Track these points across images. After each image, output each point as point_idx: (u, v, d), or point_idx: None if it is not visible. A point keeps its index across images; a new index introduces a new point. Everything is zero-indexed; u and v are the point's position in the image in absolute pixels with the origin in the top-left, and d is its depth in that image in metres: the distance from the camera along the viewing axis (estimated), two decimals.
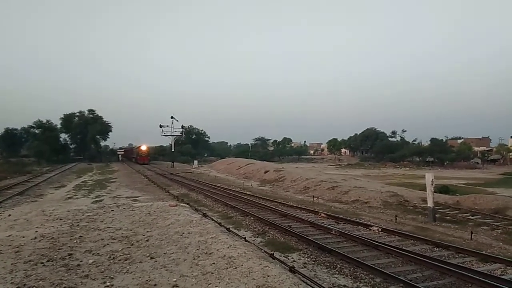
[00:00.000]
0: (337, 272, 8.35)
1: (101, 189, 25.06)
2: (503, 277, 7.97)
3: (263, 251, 8.56)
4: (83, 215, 11.09)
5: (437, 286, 7.50)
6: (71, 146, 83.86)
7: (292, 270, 7.62)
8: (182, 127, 60.51)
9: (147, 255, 6.85)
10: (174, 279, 5.54)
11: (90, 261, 6.52)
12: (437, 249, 10.29)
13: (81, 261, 6.53)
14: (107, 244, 7.71)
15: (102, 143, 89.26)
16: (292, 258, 9.45)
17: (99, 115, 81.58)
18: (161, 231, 8.75)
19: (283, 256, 9.39)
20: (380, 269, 8.30)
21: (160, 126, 56.58)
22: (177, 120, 57.31)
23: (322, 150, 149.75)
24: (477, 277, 7.73)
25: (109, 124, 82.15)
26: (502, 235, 12.16)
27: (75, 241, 7.94)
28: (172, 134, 57.29)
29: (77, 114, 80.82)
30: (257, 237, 11.73)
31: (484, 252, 9.81)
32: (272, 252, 9.00)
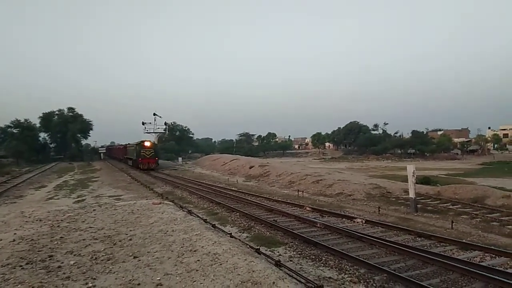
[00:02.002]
0: (322, 265, 8.40)
1: (83, 189, 24.58)
2: (481, 263, 8.19)
3: (248, 246, 8.54)
4: (64, 216, 10.84)
5: (419, 275, 7.64)
6: (51, 146, 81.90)
7: (278, 264, 7.62)
8: (165, 124, 59.71)
9: (130, 254, 6.74)
10: (158, 278, 5.46)
11: (72, 262, 6.38)
12: (419, 239, 10.49)
13: (62, 263, 6.37)
14: (89, 245, 7.56)
15: (83, 142, 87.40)
16: (278, 252, 9.46)
17: (79, 113, 79.84)
18: (145, 230, 8.63)
19: (269, 251, 9.39)
20: (364, 260, 8.39)
21: (143, 123, 55.48)
22: (160, 117, 55.82)
23: (307, 144, 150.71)
24: (457, 264, 7.91)
25: (90, 122, 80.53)
26: (481, 224, 12.49)
27: (55, 243, 7.76)
28: (155, 131, 56.25)
29: (56, 112, 78.88)
30: (243, 233, 11.71)
31: (464, 241, 10.04)
32: (258, 247, 8.96)
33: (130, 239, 7.83)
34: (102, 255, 6.77)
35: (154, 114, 55.02)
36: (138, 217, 10.34)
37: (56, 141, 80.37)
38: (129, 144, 55.05)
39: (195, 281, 5.21)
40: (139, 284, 5.28)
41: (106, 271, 5.92)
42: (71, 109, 79.43)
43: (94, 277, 5.67)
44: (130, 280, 5.48)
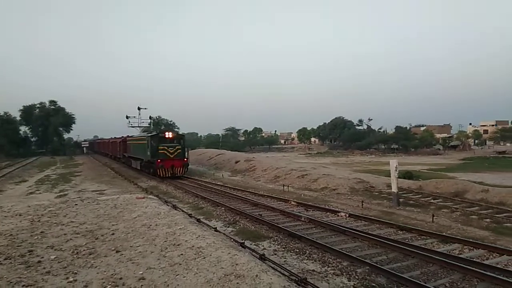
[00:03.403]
0: (306, 258, 8.49)
1: (65, 183, 24.15)
2: (460, 256, 8.41)
3: (232, 240, 8.56)
4: (45, 210, 10.62)
5: (401, 267, 7.79)
6: (32, 139, 79.92)
7: (262, 257, 7.67)
8: (150, 117, 58.91)
9: (113, 248, 6.66)
10: (141, 272, 5.41)
11: (52, 257, 6.25)
12: (401, 232, 10.69)
13: (42, 258, 6.24)
14: (70, 239, 7.43)
15: (66, 136, 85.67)
16: (263, 246, 9.51)
17: (61, 106, 78.07)
18: (128, 224, 8.53)
19: (254, 245, 9.43)
20: (347, 253, 8.52)
21: (127, 117, 54.39)
22: (145, 108, 55.01)
23: (293, 139, 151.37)
24: (437, 257, 8.11)
25: (72, 116, 78.87)
26: (460, 217, 12.80)
27: (35, 237, 7.59)
28: (139, 125, 55.42)
29: (38, 105, 76.93)
30: (228, 227, 11.72)
31: (444, 234, 10.28)
32: (243, 241, 9.01)
33: (113, 234, 7.73)
34: (84, 250, 6.66)
35: (139, 108, 54.17)
36: (121, 211, 10.21)
37: (38, 135, 78.46)
38: (131, 136, 36.93)
39: (178, 275, 5.19)
40: (121, 278, 5.22)
41: (87, 266, 5.83)
42: (52, 102, 77.63)
43: (76, 271, 5.58)
44: (112, 274, 5.41)
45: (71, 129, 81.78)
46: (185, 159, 26.42)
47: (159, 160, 25.03)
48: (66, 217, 9.60)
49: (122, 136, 43.26)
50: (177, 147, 25.98)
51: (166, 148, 25.42)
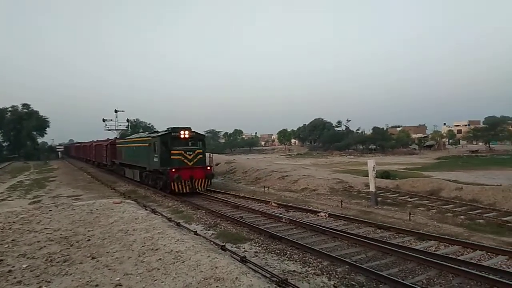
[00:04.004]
0: (287, 259, 8.48)
1: (40, 189, 23.36)
2: (436, 252, 8.61)
3: (212, 243, 8.48)
4: (17, 217, 10.23)
5: (379, 265, 7.90)
6: (3, 144, 77.08)
7: (243, 260, 7.64)
8: (128, 120, 57.84)
9: (88, 255, 6.47)
10: (118, 278, 5.28)
11: (24, 266, 6.03)
12: (379, 231, 10.86)
13: (13, 267, 6.01)
14: (44, 247, 7.19)
15: (39, 140, 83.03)
16: (244, 248, 9.45)
17: (35, 109, 75.65)
18: (104, 230, 8.32)
19: (235, 247, 9.35)
20: (327, 252, 8.57)
21: (103, 120, 53.13)
22: (122, 111, 53.89)
23: (273, 141, 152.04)
24: (414, 254, 8.27)
25: (46, 119, 76.59)
26: (436, 215, 13.12)
27: (6, 246, 7.30)
28: (116, 128, 54.16)
29: (10, 109, 74.36)
30: (208, 230, 11.59)
31: (421, 231, 10.51)
32: (224, 244, 8.94)
33: (88, 240, 7.52)
34: (58, 257, 6.45)
35: (116, 111, 53.05)
36: (97, 217, 9.95)
37: (10, 139, 75.75)
38: (125, 138, 31.31)
39: (156, 280, 5.09)
40: (97, 285, 5.08)
41: (62, 273, 5.64)
42: (25, 106, 75.21)
43: (49, 279, 5.39)
44: (88, 281, 5.26)
45: (45, 133, 79.44)
46: (209, 168, 19.55)
47: (173, 170, 17.67)
48: (39, 224, 9.28)
49: (109, 139, 37.97)
50: (197, 151, 18.74)
51: (182, 152, 18.23)
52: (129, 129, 59.50)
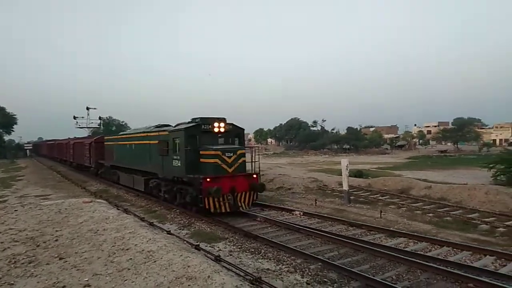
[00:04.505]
0: (261, 257, 8.51)
1: (5, 188, 22.39)
2: (406, 249, 8.87)
3: (185, 242, 8.37)
4: None
5: (351, 262, 8.05)
6: None
7: (217, 259, 7.61)
8: (100, 118, 56.38)
9: (56, 255, 6.25)
10: (86, 279, 5.13)
11: None
12: (352, 228, 11.07)
13: None
14: (8, 248, 6.88)
15: (6, 137, 79.43)
16: (218, 247, 9.40)
17: (1, 105, 72.35)
18: (73, 230, 8.06)
19: (209, 246, 9.30)
20: (301, 250, 8.66)
21: (74, 118, 51.56)
22: (94, 108, 52.32)
23: (250, 140, 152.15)
24: (385, 251, 8.49)
25: (14, 116, 73.35)
26: (406, 212, 13.51)
27: None
28: (88, 126, 52.70)
29: None
30: (182, 230, 11.46)
31: (391, 229, 10.79)
32: (198, 243, 8.88)
33: (56, 240, 7.27)
34: (23, 258, 6.20)
35: (87, 108, 51.55)
36: (66, 216, 9.63)
37: None
38: (119, 134, 24.61)
39: (126, 280, 4.97)
40: (64, 286, 4.92)
41: (26, 275, 5.42)
42: None
43: (12, 282, 5.17)
44: (55, 282, 5.08)
45: (13, 130, 76.00)
46: (255, 176, 13.58)
47: (208, 179, 12.16)
48: (3, 225, 8.89)
49: (90, 135, 33.28)
50: (239, 151, 13.16)
51: (220, 154, 12.56)
52: (102, 127, 57.98)
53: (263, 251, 8.96)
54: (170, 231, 10.21)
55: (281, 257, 8.41)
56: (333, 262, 7.80)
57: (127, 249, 6.42)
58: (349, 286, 6.67)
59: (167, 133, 14.61)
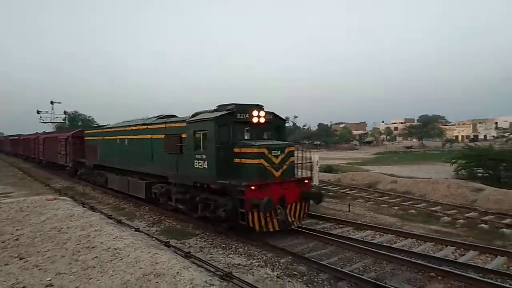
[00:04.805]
0: (232, 252, 8.52)
1: None
2: (373, 241, 9.14)
3: (154, 239, 8.23)
4: None
5: (320, 255, 8.20)
6: None
7: (188, 255, 7.55)
8: (65, 112, 54.21)
9: (16, 255, 5.97)
10: (49, 278, 4.93)
11: None
12: (321, 222, 11.27)
13: None
14: None
15: None
16: (189, 243, 9.32)
17: None
18: (35, 228, 7.73)
19: (180, 243, 9.20)
20: (271, 245, 8.73)
21: (38, 112, 49.40)
22: (59, 103, 50.16)
23: None
24: (353, 244, 8.72)
25: None
26: (373, 206, 13.92)
27: None
28: (52, 121, 50.59)
29: None
30: (152, 227, 11.26)
31: (359, 222, 11.09)
32: (168, 240, 8.79)
33: (17, 239, 6.94)
34: None
35: (52, 102, 49.50)
36: (27, 214, 9.21)
37: None
38: (111, 127, 18.31)
39: (91, 279, 4.82)
40: (24, 287, 4.69)
41: None
42: None
43: None
44: (14, 283, 4.85)
45: None
46: (306, 181, 10.38)
47: (252, 187, 8.90)
48: None
49: (64, 129, 29.70)
50: (287, 148, 9.97)
51: (265, 152, 9.36)
52: (67, 121, 55.87)
53: (234, 246, 8.96)
54: (139, 228, 10.02)
55: (251, 252, 8.45)
56: (302, 255, 7.92)
57: (92, 247, 6.23)
58: (318, 279, 6.79)
59: (180, 124, 11.41)
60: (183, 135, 11.04)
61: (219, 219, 9.68)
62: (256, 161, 9.13)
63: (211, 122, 9.86)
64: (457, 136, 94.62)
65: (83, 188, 20.28)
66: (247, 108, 10.16)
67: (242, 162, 9.50)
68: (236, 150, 9.65)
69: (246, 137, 10.43)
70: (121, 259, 5.51)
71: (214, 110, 10.64)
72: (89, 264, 5.40)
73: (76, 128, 32.45)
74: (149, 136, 13.31)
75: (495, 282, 6.44)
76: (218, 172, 9.53)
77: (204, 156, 10.10)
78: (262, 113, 10.27)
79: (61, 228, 7.62)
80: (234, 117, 9.96)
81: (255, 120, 10.16)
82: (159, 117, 14.05)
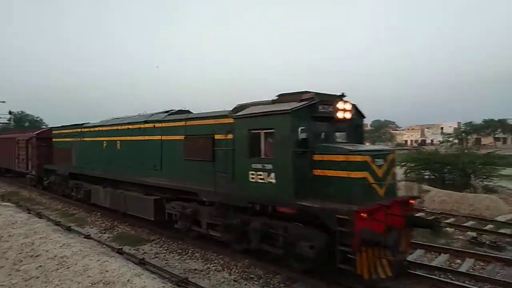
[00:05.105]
0: (189, 258, 8.37)
1: None
2: None
3: (104, 246, 7.88)
4: None
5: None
6: None
7: (142, 262, 7.32)
8: (10, 112, 50.60)
9: None
10: None
11: None
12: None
13: None
14: None
15: None
16: (143, 250, 9.04)
17: None
18: None
19: (134, 249, 8.91)
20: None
21: None
22: (3, 102, 46.80)
23: None
24: None
25: None
26: None
27: None
28: None
29: None
30: (104, 233, 10.78)
31: None
32: (121, 247, 8.50)
33: None
34: None
35: None
36: None
37: None
38: (96, 125, 14.12)
39: None
40: None
41: None
42: None
43: None
44: None
45: None
46: (411, 201, 7.44)
47: (361, 214, 5.83)
48: None
49: (17, 130, 25.81)
50: (390, 156, 7.18)
51: (368, 161, 6.60)
52: (12, 122, 52.36)
53: (190, 251, 8.80)
54: (89, 235, 9.57)
55: (209, 257, 8.34)
56: (260, 259, 7.91)
57: (36, 256, 5.84)
58: (274, 280, 6.82)
59: (214, 121, 8.65)
60: (218, 136, 8.32)
61: (299, 257, 6.67)
62: (357, 174, 6.42)
63: (285, 116, 6.93)
64: (406, 140, 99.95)
65: (29, 193, 19.03)
66: (330, 99, 7.47)
67: (328, 175, 6.74)
68: (317, 157, 6.91)
69: (323, 139, 7.53)
70: (68, 268, 5.22)
71: (274, 102, 7.77)
72: (32, 274, 5.06)
73: (23, 129, 28.06)
74: (158, 137, 10.48)
75: (439, 278, 6.83)
76: (296, 189, 6.72)
77: (269, 166, 7.18)
78: (348, 106, 7.58)
79: (2, 236, 7.09)
80: (314, 110, 7.18)
81: (339, 115, 7.38)
82: (170, 112, 10.92)
